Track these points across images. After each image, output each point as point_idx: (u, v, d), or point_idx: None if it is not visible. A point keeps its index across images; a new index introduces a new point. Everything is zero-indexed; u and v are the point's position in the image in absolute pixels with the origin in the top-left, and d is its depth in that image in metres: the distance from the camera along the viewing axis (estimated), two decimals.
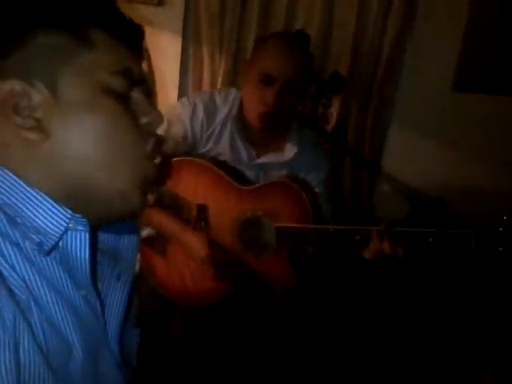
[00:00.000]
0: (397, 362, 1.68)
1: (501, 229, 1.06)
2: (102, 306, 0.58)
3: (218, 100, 1.35)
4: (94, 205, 0.54)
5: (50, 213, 0.50)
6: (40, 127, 0.50)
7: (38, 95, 0.50)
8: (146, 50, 1.98)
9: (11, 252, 0.48)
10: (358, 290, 1.87)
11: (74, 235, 0.51)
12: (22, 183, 0.50)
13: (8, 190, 0.50)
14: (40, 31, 0.50)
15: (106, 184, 0.53)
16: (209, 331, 1.41)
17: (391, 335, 1.78)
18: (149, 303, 1.41)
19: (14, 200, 0.50)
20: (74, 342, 0.52)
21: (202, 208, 1.34)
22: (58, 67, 0.50)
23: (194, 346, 1.38)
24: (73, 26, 0.51)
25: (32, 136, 0.50)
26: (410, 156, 2.09)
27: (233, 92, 1.38)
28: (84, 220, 0.51)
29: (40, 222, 0.50)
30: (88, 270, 0.52)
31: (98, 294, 0.57)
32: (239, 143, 1.35)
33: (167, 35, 2.00)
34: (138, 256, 1.44)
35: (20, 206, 0.50)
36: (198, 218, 1.33)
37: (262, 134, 1.34)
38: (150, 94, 1.70)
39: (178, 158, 1.32)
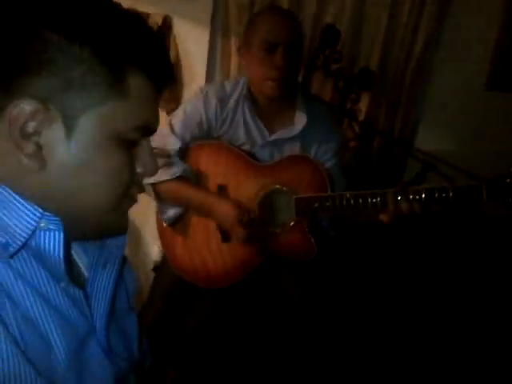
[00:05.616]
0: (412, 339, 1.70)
1: (508, 180, 1.09)
2: (86, 295, 0.56)
3: (228, 87, 1.43)
4: (79, 226, 0.53)
5: (20, 211, 0.47)
6: (39, 155, 0.47)
7: (49, 122, 0.47)
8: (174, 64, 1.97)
9: None
10: (371, 264, 1.85)
11: (46, 235, 0.49)
12: None
13: None
14: (83, 59, 0.46)
15: (94, 213, 0.53)
16: (229, 314, 1.46)
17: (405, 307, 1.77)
18: (173, 289, 1.43)
19: None
20: (54, 336, 0.50)
21: (222, 188, 1.39)
22: (83, 103, 0.47)
23: (216, 329, 1.44)
24: (115, 62, 0.48)
25: (26, 162, 0.47)
26: (440, 155, 2.04)
27: (242, 79, 1.45)
28: (56, 219, 0.49)
29: (7, 221, 0.47)
30: (63, 267, 0.50)
31: (81, 284, 0.56)
32: (252, 124, 1.41)
33: (196, 28, 1.99)
34: (159, 244, 1.46)
35: None
36: None
37: (271, 106, 1.40)
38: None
39: (199, 142, 1.40)
